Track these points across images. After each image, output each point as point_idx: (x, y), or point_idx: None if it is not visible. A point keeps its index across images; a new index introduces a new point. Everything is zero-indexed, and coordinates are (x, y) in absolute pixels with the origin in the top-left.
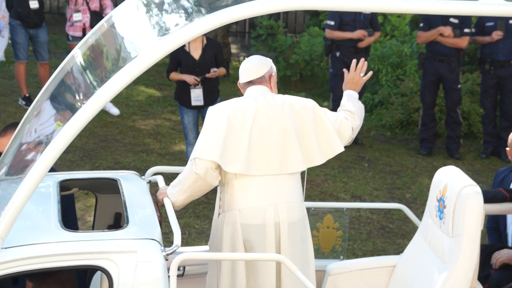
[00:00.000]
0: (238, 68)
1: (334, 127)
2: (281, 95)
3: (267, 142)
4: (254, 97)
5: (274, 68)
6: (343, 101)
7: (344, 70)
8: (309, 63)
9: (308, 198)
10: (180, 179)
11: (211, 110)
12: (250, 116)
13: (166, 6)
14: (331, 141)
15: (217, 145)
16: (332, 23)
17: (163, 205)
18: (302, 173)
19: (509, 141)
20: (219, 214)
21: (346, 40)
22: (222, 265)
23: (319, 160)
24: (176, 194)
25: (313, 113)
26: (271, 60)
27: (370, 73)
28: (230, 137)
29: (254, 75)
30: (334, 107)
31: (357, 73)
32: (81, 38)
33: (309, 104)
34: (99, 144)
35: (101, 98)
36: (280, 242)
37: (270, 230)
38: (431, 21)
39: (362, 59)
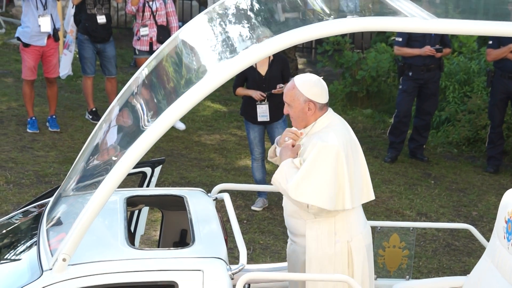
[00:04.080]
0: None
1: None
2: None
3: (357, 173)
4: (342, 126)
5: None
6: None
7: None
8: (376, 79)
9: (373, 215)
10: (285, 180)
11: (324, 149)
12: (347, 148)
13: (234, 24)
14: None
15: (328, 191)
16: (400, 39)
17: (227, 220)
18: None
19: None
20: (335, 243)
21: (417, 58)
22: None
23: None
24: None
25: None
26: None
27: None
28: (339, 177)
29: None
30: (396, 123)
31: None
32: (148, 52)
33: None
34: (165, 159)
35: (169, 118)
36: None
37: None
38: (500, 38)
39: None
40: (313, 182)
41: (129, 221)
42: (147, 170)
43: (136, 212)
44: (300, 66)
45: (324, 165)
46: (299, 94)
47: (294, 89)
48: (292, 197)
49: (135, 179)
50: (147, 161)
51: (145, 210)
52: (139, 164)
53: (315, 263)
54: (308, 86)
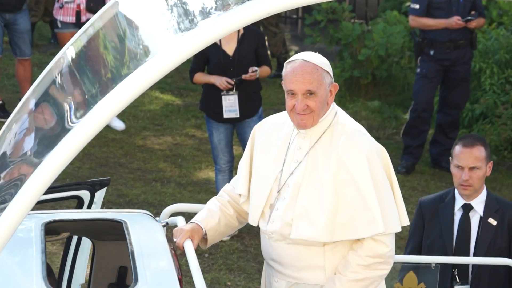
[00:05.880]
0: None
1: None
2: None
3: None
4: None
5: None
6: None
7: None
8: (385, 60)
9: None
10: (364, 275)
11: (373, 156)
12: None
13: None
14: None
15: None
16: (417, 6)
17: (183, 254)
18: None
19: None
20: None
21: (440, 32)
22: None
23: None
24: None
25: None
26: None
27: None
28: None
29: None
30: (413, 120)
31: None
32: (74, 25)
33: None
34: (97, 169)
35: (103, 114)
36: None
37: None
38: None
39: None
40: (388, 204)
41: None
42: (84, 194)
43: (73, 246)
44: None
45: (382, 177)
46: (326, 74)
47: (318, 70)
48: (382, 230)
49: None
50: (83, 182)
51: (87, 243)
52: (73, 186)
53: None
54: (327, 62)
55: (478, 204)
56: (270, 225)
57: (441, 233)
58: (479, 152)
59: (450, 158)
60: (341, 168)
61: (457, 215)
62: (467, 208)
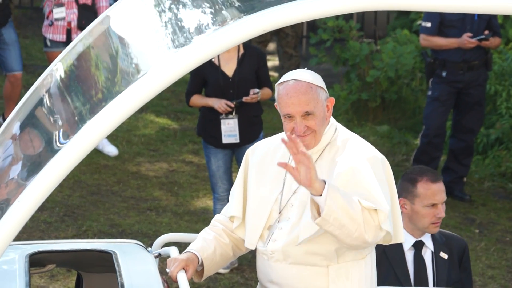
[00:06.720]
0: None
1: None
2: None
3: None
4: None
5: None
6: None
7: None
8: (395, 82)
9: None
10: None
11: (382, 162)
12: None
13: (186, 2)
14: None
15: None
16: (429, 24)
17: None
18: None
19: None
20: None
21: (453, 51)
22: None
23: None
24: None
25: None
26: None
27: None
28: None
29: None
30: (425, 146)
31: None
32: (64, 43)
33: None
34: (88, 198)
35: (92, 135)
36: None
37: None
38: None
39: None
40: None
41: None
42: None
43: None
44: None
45: (383, 182)
46: (320, 91)
47: (312, 88)
48: (388, 208)
49: (44, 228)
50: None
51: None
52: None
53: None
54: (319, 77)
55: (428, 239)
56: (271, 244)
57: (395, 277)
58: (443, 184)
59: (403, 198)
60: (342, 169)
61: (408, 254)
62: (419, 245)
